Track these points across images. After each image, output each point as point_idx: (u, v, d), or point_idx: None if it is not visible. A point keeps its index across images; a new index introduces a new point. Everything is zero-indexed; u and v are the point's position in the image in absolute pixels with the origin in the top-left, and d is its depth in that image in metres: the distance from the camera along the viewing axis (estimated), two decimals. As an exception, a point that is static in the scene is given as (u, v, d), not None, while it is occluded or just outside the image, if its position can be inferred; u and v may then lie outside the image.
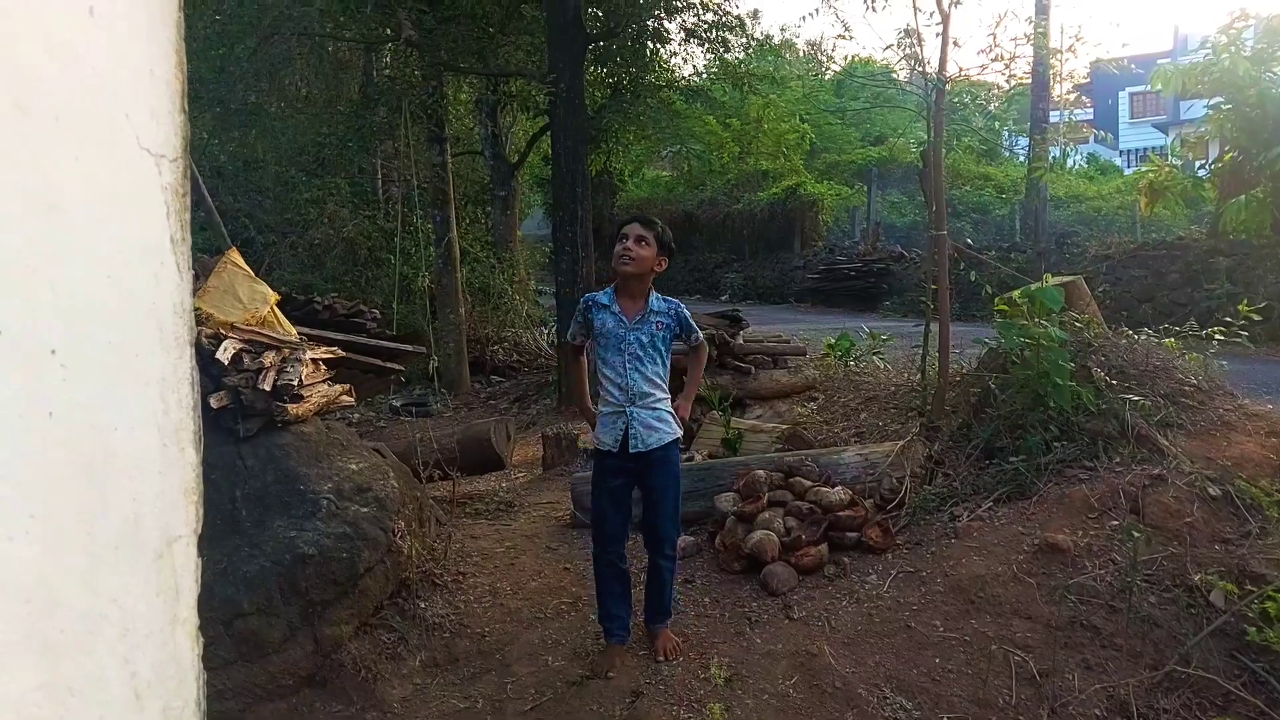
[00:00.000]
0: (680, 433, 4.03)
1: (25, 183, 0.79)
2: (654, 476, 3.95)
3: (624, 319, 3.89)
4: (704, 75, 15.29)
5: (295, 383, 4.58)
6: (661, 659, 3.92)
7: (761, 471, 4.78)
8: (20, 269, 0.78)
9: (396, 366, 6.73)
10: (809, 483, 4.71)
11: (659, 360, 3.94)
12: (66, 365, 0.83)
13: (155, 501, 0.99)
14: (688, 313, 4.09)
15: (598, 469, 4.04)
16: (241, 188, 14.76)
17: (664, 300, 4.01)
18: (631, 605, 4.15)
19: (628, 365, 3.87)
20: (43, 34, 0.80)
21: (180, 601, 1.06)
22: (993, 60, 6.36)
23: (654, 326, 3.91)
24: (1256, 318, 4.85)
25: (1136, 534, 3.54)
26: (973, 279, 5.53)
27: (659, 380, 3.94)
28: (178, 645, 1.05)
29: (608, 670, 3.93)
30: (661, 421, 3.92)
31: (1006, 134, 30.03)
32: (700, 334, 4.15)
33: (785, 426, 6.14)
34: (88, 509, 0.87)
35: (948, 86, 5.45)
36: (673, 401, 4.02)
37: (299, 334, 5.32)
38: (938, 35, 5.26)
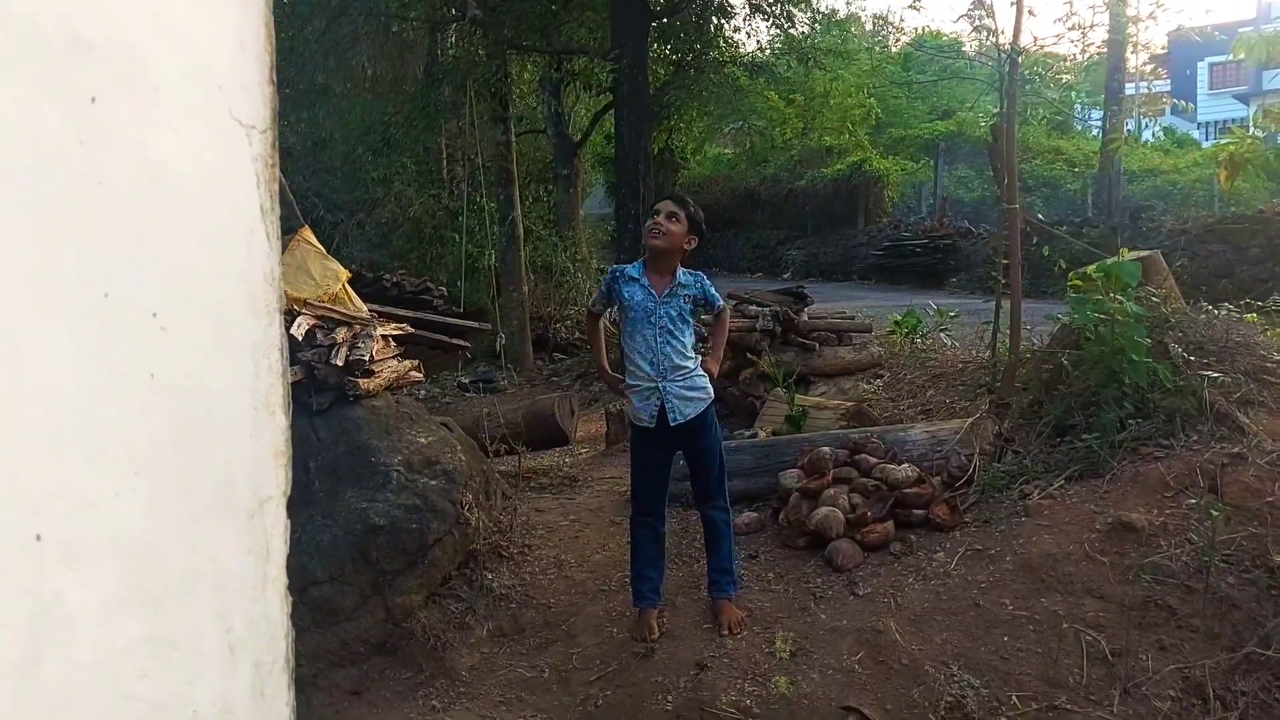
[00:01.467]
0: (712, 394, 4.13)
1: (131, 154, 0.82)
2: (696, 440, 4.07)
3: (653, 293, 3.97)
4: (768, 51, 15.13)
5: (366, 358, 4.67)
6: (725, 633, 3.93)
7: (826, 448, 4.76)
8: (127, 236, 0.81)
9: (464, 343, 6.82)
10: (875, 460, 4.68)
11: (687, 331, 4.04)
12: (167, 329, 0.86)
13: (247, 463, 1.02)
14: (710, 283, 4.17)
15: (637, 443, 4.15)
16: (310, 167, 14.99)
17: (689, 273, 4.10)
18: (664, 569, 4.25)
19: (659, 339, 3.95)
20: (145, 8, 0.83)
21: (271, 561, 1.09)
22: (1070, 29, 6.20)
23: (682, 300, 4.02)
24: (1342, 292, 4.69)
25: (1215, 513, 3.46)
26: (1045, 253, 5.43)
27: (688, 351, 4.03)
28: (269, 603, 1.08)
29: (648, 634, 4.00)
30: (694, 390, 4.02)
31: (1079, 107, 29.27)
32: (722, 301, 4.25)
33: (850, 404, 6.09)
34: (186, 469, 0.90)
35: (1021, 57, 5.33)
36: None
37: (369, 310, 5.42)
38: (1012, 3, 5.15)
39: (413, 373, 5.34)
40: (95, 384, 0.77)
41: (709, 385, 4.10)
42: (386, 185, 15.28)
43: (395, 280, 7.10)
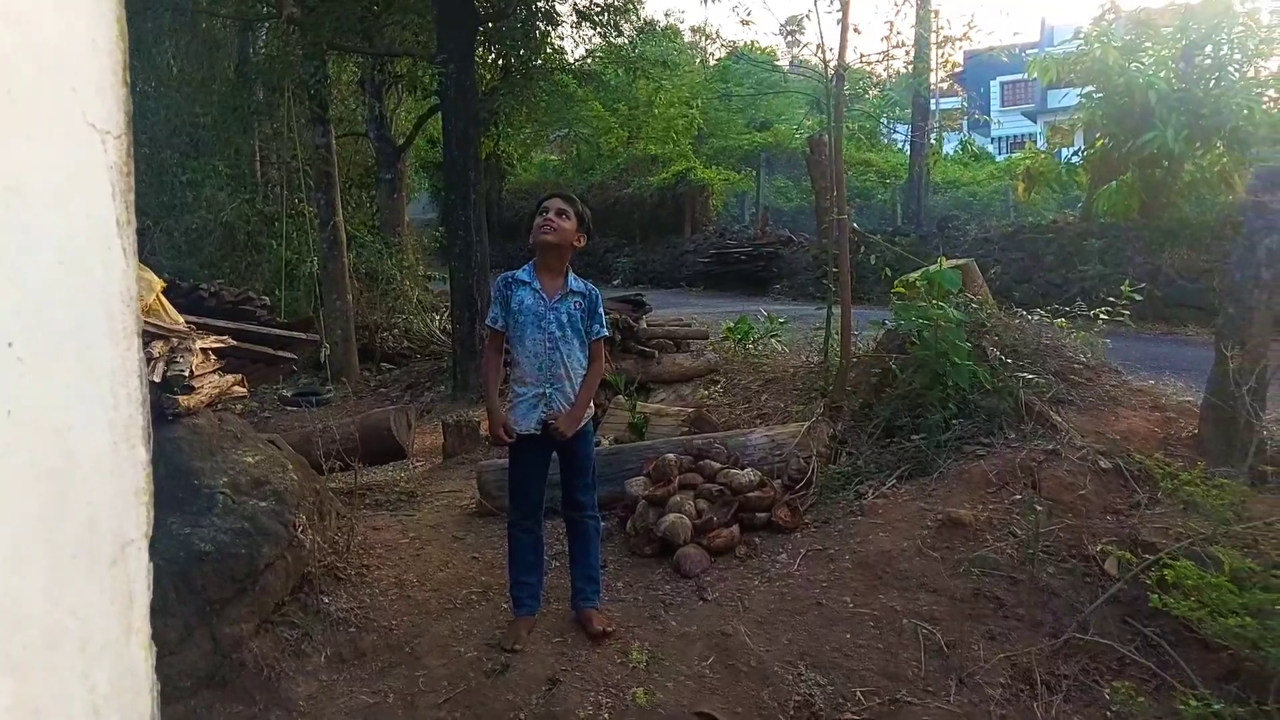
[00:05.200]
0: (593, 410, 4.08)
1: (-16, 163, 0.72)
2: (574, 444, 3.97)
3: (544, 296, 3.86)
4: (591, 59, 15.19)
5: (185, 373, 4.40)
6: (599, 630, 3.90)
7: (671, 455, 4.80)
8: (-20, 255, 0.71)
9: (289, 355, 6.52)
10: (718, 465, 4.75)
11: (577, 342, 3.91)
12: (23, 360, 0.77)
13: (109, 504, 0.93)
14: (602, 305, 4.05)
15: (516, 449, 4.02)
16: (112, 170, 14.01)
17: (582, 282, 3.99)
18: (543, 575, 4.19)
19: (547, 345, 3.85)
20: (-1, -1, 0.73)
21: (134, 610, 1.00)
22: (895, 47, 6.49)
23: (573, 305, 3.90)
24: (1138, 298, 5.08)
25: (1039, 508, 3.68)
26: (873, 261, 5.66)
27: (578, 363, 3.92)
28: (132, 656, 0.99)
29: (514, 643, 3.92)
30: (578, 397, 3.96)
31: (884, 120, 30.77)
32: (604, 330, 4.06)
33: (690, 410, 6.17)
34: (47, 515, 0.81)
35: (846, 73, 5.53)
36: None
37: (186, 323, 5.12)
38: (838, 22, 5.34)
39: (236, 388, 5.07)
40: (-52, 426, 0.67)
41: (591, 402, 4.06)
42: (196, 190, 14.50)
43: (213, 290, 6.73)
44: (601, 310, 4.01)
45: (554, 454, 4.07)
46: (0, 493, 0.74)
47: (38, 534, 0.79)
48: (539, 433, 3.89)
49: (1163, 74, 12.85)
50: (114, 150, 0.96)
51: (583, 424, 3.98)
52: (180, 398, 4.34)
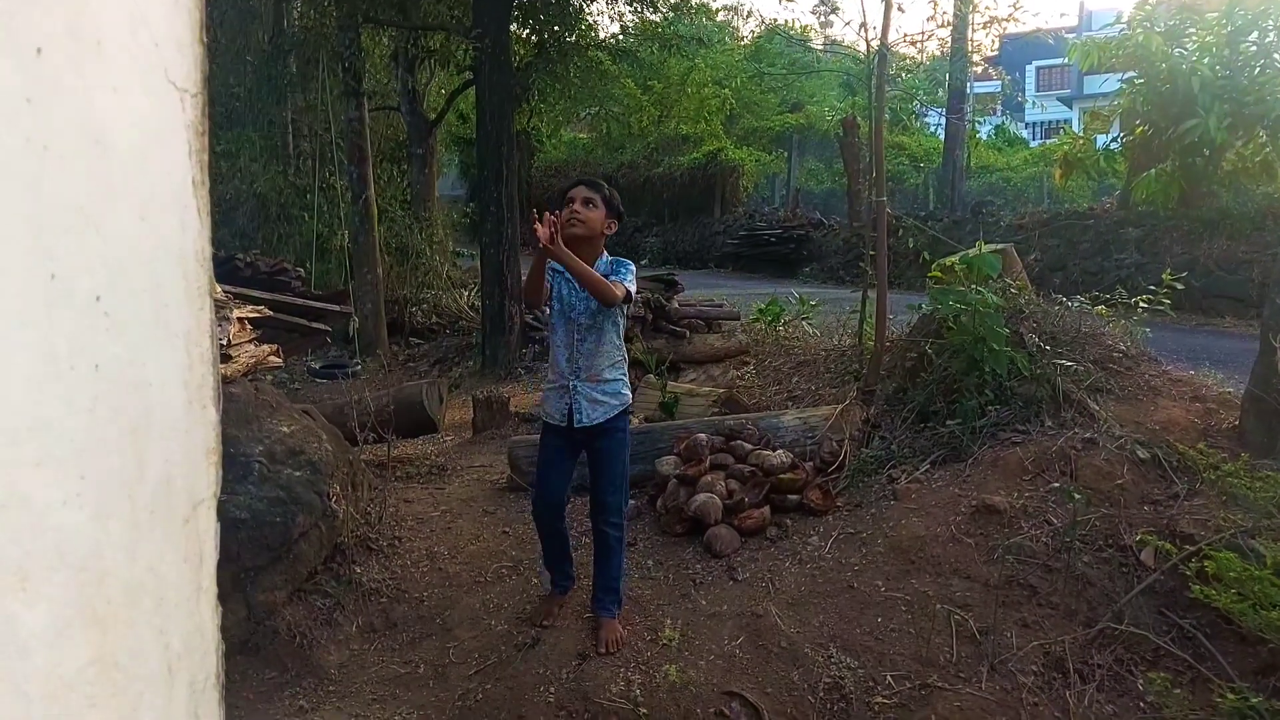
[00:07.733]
0: (630, 400, 3.92)
1: (76, 115, 0.72)
2: (598, 441, 3.84)
3: (574, 285, 3.72)
4: (625, 35, 15.09)
5: (223, 342, 4.43)
6: (603, 651, 3.73)
7: (703, 435, 4.79)
8: (71, 208, 0.71)
9: (323, 327, 6.56)
10: (750, 446, 4.74)
11: (609, 327, 3.79)
12: (110, 314, 0.77)
13: (183, 462, 0.93)
14: (628, 270, 3.82)
15: (544, 435, 4.00)
16: (146, 139, 14.11)
17: (606, 261, 3.83)
18: (574, 561, 4.17)
19: (575, 335, 3.77)
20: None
21: (203, 569, 1.00)
22: (940, 27, 6.41)
23: None
24: (1179, 286, 5.01)
25: (1077, 496, 3.64)
26: (911, 245, 5.61)
27: (610, 350, 3.81)
28: (202, 615, 1.00)
29: (543, 618, 3.93)
30: (607, 395, 3.80)
31: (918, 104, 30.45)
32: (629, 286, 3.78)
33: (721, 390, 6.16)
34: (128, 470, 0.81)
35: (890, 53, 5.46)
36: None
37: (224, 292, 5.16)
38: (882, 0, 5.26)
39: (272, 358, 5.11)
40: (42, 378, 0.67)
41: (626, 393, 3.87)
42: (230, 159, 14.57)
43: (249, 260, 6.78)
44: (625, 271, 3.79)
45: (583, 451, 3.94)
46: (89, 446, 0.74)
47: (120, 489, 0.79)
48: (562, 425, 3.82)
49: (1206, 60, 12.59)
50: (191, 109, 0.95)
51: (616, 414, 3.84)
52: (217, 366, 4.37)
